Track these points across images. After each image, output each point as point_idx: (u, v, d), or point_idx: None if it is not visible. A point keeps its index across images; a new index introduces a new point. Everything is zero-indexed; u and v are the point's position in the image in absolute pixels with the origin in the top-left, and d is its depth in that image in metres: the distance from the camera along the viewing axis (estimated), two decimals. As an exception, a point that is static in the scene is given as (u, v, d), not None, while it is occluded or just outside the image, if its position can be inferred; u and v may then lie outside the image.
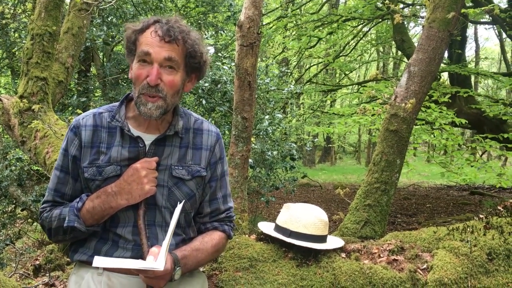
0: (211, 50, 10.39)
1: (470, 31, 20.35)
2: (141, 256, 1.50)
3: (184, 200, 1.43)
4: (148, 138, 1.57)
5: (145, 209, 1.53)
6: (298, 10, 11.88)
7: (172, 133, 1.58)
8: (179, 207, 1.42)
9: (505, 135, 6.70)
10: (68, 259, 3.02)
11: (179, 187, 1.58)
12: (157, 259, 1.37)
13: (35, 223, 6.69)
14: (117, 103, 1.64)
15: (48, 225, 1.58)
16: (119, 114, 1.59)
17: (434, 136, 6.74)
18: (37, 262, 3.06)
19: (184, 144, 1.62)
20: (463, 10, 3.64)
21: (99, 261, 1.35)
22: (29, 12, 6.80)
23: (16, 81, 7.44)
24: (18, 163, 6.06)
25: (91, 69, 8.54)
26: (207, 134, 1.68)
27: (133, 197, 1.49)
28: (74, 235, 1.55)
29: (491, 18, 9.08)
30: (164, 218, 1.57)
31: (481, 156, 9.14)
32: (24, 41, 6.34)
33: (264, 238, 2.55)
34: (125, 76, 7.51)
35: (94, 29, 7.02)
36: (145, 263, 1.35)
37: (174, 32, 1.48)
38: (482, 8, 4.31)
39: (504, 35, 12.60)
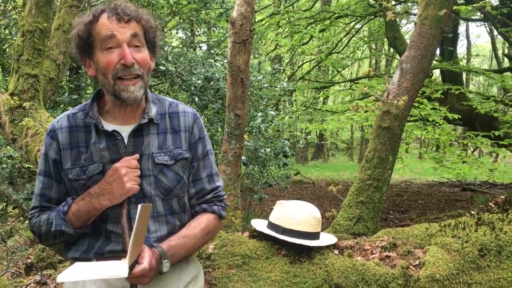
0: (204, 47, 10.38)
1: (461, 28, 20.50)
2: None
3: (142, 203, 1.36)
4: (126, 130, 1.56)
5: (128, 207, 1.52)
6: (290, 7, 11.87)
7: (147, 121, 1.56)
8: (138, 209, 1.34)
9: (496, 133, 6.74)
10: (60, 257, 3.01)
11: (165, 173, 1.57)
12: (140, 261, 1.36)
13: (26, 221, 6.64)
14: (89, 102, 1.62)
15: (38, 231, 1.58)
16: (92, 111, 1.57)
17: (427, 132, 6.78)
18: (29, 261, 3.04)
19: (162, 130, 1.61)
20: (455, 7, 3.65)
21: (63, 276, 1.33)
22: (20, 9, 6.74)
23: (6, 78, 7.38)
24: (9, 161, 6.01)
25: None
26: (184, 116, 1.66)
27: (114, 197, 1.48)
28: (63, 238, 1.55)
29: (482, 15, 9.12)
30: (155, 208, 1.56)
31: (472, 152, 9.20)
32: (14, 38, 6.28)
33: (257, 235, 2.55)
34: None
35: (86, 25, 6.95)
36: (110, 272, 1.34)
37: (130, 11, 1.48)
38: (474, 5, 4.33)
39: (495, 32, 12.67)
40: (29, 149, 3.86)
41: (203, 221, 1.64)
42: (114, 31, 1.44)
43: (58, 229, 1.51)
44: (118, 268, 1.34)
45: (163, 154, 1.57)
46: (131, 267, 1.34)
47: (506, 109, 10.24)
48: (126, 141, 1.54)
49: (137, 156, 1.52)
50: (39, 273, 2.72)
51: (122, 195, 1.48)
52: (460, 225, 2.39)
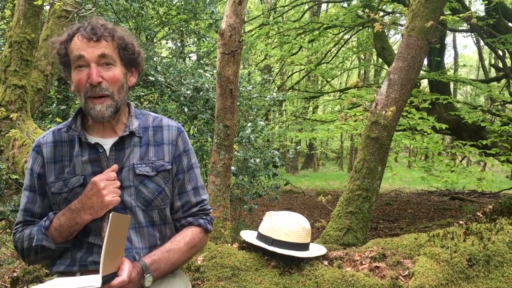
0: (193, 57, 10.39)
1: (449, 39, 20.77)
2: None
3: (112, 212, 1.38)
4: (107, 143, 1.58)
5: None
6: (280, 17, 11.95)
7: (128, 134, 1.59)
8: (110, 217, 1.35)
9: (484, 142, 6.81)
10: (46, 271, 2.96)
11: (145, 184, 1.58)
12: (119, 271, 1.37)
13: (13, 234, 6.54)
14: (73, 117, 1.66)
15: (20, 246, 1.58)
16: (75, 124, 1.60)
17: (416, 141, 6.82)
18: (15, 274, 2.99)
19: (144, 142, 1.63)
20: (441, 17, 3.69)
21: None
22: (8, 19, 6.70)
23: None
24: (-4, 172, 5.94)
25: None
26: (168, 130, 1.68)
27: (95, 211, 1.48)
28: (45, 254, 1.55)
29: (469, 26, 9.24)
30: (137, 219, 1.57)
31: (460, 161, 9.27)
32: (2, 49, 6.24)
33: (247, 246, 2.54)
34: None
35: (74, 36, 6.91)
36: (83, 282, 1.34)
37: (99, 30, 1.51)
38: (460, 15, 4.39)
39: (482, 43, 12.84)
40: (16, 161, 3.82)
41: (188, 234, 1.64)
42: (82, 52, 1.48)
43: (39, 244, 1.51)
44: (93, 279, 1.34)
45: (144, 165, 1.59)
46: (107, 278, 1.33)
47: (493, 119, 10.36)
48: (108, 153, 1.56)
49: (115, 167, 1.53)
50: (25, 287, 2.68)
51: (103, 208, 1.48)
52: (448, 235, 2.40)
